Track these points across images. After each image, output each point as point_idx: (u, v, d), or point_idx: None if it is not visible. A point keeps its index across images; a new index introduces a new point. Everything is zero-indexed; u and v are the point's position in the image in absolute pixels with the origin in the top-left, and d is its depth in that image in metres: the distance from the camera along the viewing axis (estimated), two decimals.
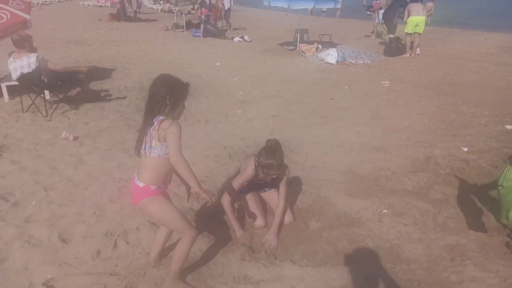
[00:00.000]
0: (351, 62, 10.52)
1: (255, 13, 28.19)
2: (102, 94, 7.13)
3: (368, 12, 16.11)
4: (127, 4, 23.34)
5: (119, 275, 2.71)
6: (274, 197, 3.39)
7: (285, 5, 11.31)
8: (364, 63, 10.48)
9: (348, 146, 5.03)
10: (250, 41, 14.33)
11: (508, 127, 5.56)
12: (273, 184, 3.41)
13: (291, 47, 12.53)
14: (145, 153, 2.39)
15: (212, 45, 13.23)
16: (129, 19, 20.04)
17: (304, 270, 2.79)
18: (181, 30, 16.54)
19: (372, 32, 15.21)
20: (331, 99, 7.13)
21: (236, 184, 3.19)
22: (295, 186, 3.96)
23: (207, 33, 15.14)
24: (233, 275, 2.73)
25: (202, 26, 15.07)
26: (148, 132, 2.35)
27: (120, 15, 19.85)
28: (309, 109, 6.55)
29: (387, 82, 8.29)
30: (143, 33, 15.68)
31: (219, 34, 15.27)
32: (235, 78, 8.60)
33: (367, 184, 4.06)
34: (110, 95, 7.07)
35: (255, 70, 9.46)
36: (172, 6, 27.21)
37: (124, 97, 6.98)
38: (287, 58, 11.19)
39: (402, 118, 6.11)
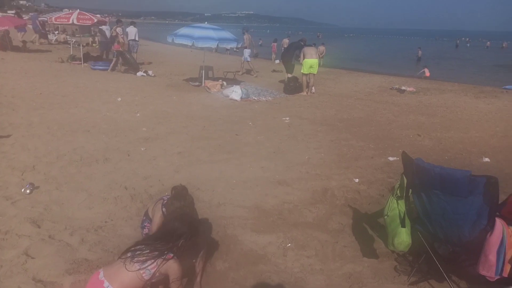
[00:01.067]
0: (254, 99, 10.99)
1: (160, 48, 28.09)
2: None
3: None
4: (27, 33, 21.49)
5: None
6: None
7: (189, 43, 11.50)
8: (266, 100, 11.04)
9: (254, 181, 5.15)
10: (154, 76, 14.13)
11: (391, 158, 6.28)
12: None
13: (197, 83, 12.67)
14: (136, 268, 2.39)
15: (113, 79, 12.71)
16: (17, 49, 18.31)
17: None
18: (78, 62, 15.61)
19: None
20: (237, 134, 7.30)
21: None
22: (202, 226, 3.88)
23: (126, 65, 14.63)
24: None
25: (114, 59, 14.53)
26: (156, 261, 2.42)
27: (6, 45, 18.03)
28: (215, 145, 6.60)
29: (287, 118, 8.82)
30: (34, 65, 14.41)
31: (136, 67, 14.77)
32: (138, 114, 8.31)
33: (272, 218, 4.16)
34: None
35: (160, 106, 9.29)
36: (68, 37, 25.69)
37: (8, 136, 6.22)
38: (192, 94, 11.25)
39: (302, 152, 6.51)
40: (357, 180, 5.29)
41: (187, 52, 24.00)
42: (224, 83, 12.26)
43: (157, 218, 3.05)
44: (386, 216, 3.08)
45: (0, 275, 2.92)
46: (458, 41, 67.17)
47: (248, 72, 16.18)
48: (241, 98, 10.62)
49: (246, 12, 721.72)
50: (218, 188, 4.88)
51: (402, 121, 9.05)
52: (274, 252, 3.52)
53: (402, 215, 2.95)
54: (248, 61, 15.94)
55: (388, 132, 8.05)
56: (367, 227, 4.01)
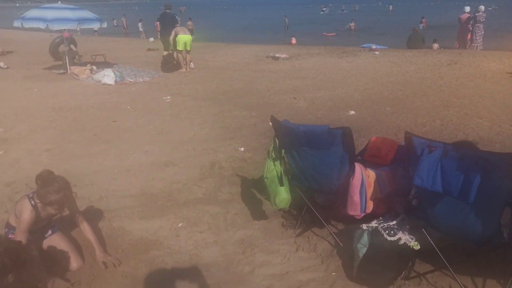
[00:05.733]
0: (130, 81, 10.35)
1: (12, 35, 24.30)
2: None
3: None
4: None
5: None
6: (60, 242, 3.04)
7: (42, 26, 10.08)
8: (144, 81, 10.49)
9: (137, 168, 4.90)
10: (7, 67, 12.24)
11: (271, 124, 6.58)
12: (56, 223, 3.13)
13: (61, 71, 11.38)
14: None
15: None
16: None
17: None
18: None
19: None
20: (114, 121, 6.81)
21: (22, 236, 2.73)
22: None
23: None
24: None
25: None
26: None
27: None
28: (90, 136, 6.07)
29: (168, 97, 8.54)
30: None
31: None
32: None
33: (160, 202, 4.04)
34: None
35: (17, 101, 8.13)
36: None
37: None
38: (58, 83, 10.08)
39: (187, 130, 6.40)
40: (242, 149, 5.42)
41: (45, 37, 21.26)
42: (94, 67, 11.25)
43: (27, 215, 2.77)
44: (266, 179, 3.22)
45: None
46: (323, 7, 72.47)
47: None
48: (115, 81, 9.91)
49: None
50: (98, 181, 4.52)
51: (279, 87, 9.50)
52: (166, 235, 3.43)
53: (279, 174, 3.12)
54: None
55: (268, 99, 8.39)
56: (255, 192, 4.16)
